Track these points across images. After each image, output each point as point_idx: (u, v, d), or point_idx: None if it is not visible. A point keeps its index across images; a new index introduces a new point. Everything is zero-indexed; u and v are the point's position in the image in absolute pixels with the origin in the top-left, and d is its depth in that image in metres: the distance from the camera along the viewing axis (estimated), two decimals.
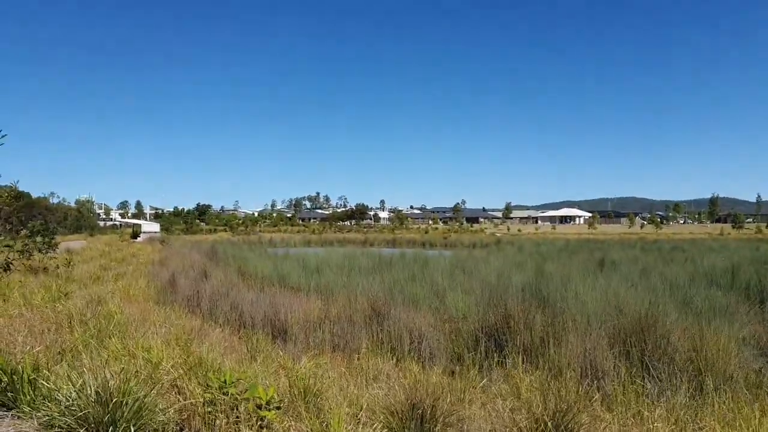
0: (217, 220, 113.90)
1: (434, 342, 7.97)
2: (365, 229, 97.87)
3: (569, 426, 3.67)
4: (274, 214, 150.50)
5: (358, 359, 6.97)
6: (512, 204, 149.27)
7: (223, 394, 3.74)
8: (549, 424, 3.69)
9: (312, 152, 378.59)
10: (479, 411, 4.57)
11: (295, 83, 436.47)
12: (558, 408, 3.72)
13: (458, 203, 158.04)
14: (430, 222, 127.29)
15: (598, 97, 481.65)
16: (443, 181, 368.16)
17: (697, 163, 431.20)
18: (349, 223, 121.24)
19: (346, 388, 4.64)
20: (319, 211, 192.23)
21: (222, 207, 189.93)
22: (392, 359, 7.49)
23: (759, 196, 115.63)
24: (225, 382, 3.91)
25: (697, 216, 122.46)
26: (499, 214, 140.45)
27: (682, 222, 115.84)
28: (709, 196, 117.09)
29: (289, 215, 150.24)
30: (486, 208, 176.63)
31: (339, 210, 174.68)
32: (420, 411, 3.75)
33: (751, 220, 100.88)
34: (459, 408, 4.07)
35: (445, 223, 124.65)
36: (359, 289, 13.26)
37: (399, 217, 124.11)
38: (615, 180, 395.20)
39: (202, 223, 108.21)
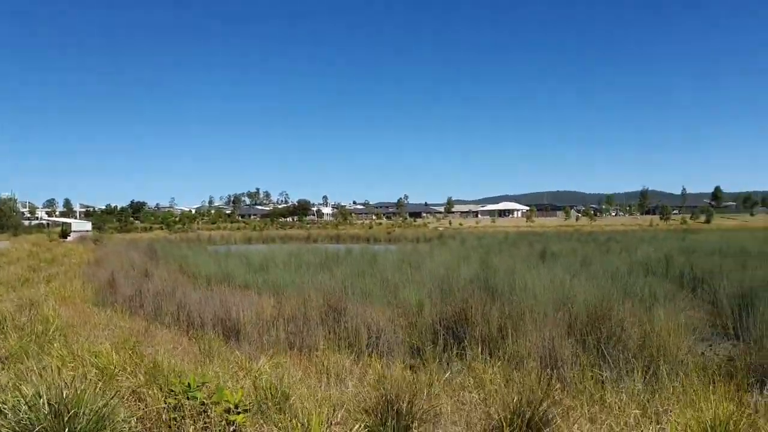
0: (152, 218, 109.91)
1: (392, 336, 7.91)
2: (308, 226, 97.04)
3: (543, 416, 3.67)
4: (213, 211, 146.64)
5: (318, 357, 6.82)
6: (453, 198, 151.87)
7: (189, 399, 3.53)
8: (525, 415, 3.68)
9: (251, 148, 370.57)
10: (449, 404, 4.53)
11: (229, 79, 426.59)
12: (531, 399, 3.72)
13: (401, 198, 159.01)
14: (374, 217, 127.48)
15: (530, 93, 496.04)
16: (386, 177, 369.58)
17: (628, 157, 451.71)
18: (291, 220, 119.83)
19: (313, 387, 4.48)
20: (260, 207, 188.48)
21: (157, 204, 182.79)
22: (351, 356, 7.39)
23: (684, 189, 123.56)
24: (189, 386, 3.69)
25: (627, 208, 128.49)
26: (441, 209, 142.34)
27: (614, 214, 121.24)
28: (638, 188, 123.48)
29: (228, 212, 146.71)
30: (428, 202, 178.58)
31: (280, 206, 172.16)
32: (396, 408, 3.65)
33: (677, 211, 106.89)
34: (435, 403, 4.01)
35: (388, 218, 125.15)
36: (310, 286, 13.06)
37: (342, 213, 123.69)
38: (550, 174, 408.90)
39: (136, 221, 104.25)
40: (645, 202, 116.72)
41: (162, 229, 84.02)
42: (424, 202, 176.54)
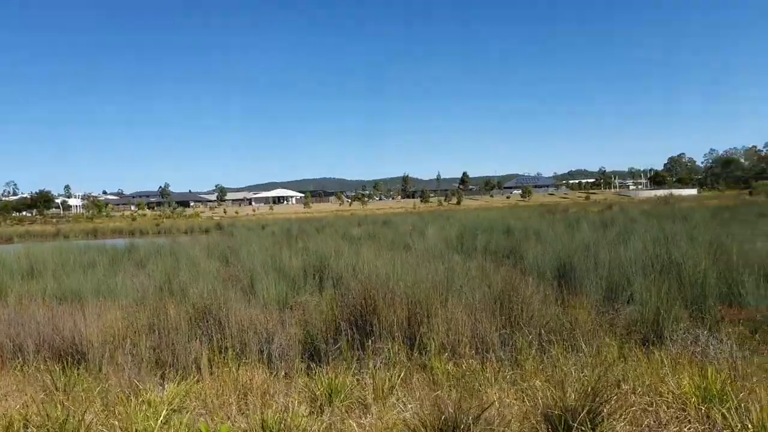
0: None
1: (284, 339, 6.99)
2: (54, 220, 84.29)
3: (598, 408, 3.42)
4: None
5: (226, 374, 5.64)
6: (221, 186, 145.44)
7: None
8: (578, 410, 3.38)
9: None
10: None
11: None
12: (585, 392, 3.43)
13: (162, 186, 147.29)
14: (134, 208, 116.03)
15: (284, 87, 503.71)
16: (141, 164, 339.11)
17: (387, 147, 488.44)
18: (30, 214, 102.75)
19: (311, 418, 3.57)
20: None
21: None
22: (238, 366, 6.32)
23: (439, 174, 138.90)
24: None
25: (389, 193, 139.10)
26: (211, 197, 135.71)
27: (378, 199, 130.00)
28: (394, 175, 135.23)
29: None
30: (193, 190, 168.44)
31: (10, 198, 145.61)
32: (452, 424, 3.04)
33: (433, 195, 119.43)
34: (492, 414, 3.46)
35: (152, 208, 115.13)
36: (134, 289, 11.20)
37: (96, 204, 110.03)
38: (313, 162, 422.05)
39: None
40: (406, 187, 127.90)
41: None
42: (188, 190, 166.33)
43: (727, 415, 3.46)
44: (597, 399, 3.31)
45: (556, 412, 3.31)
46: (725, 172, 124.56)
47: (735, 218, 23.45)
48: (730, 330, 6.41)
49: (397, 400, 4.64)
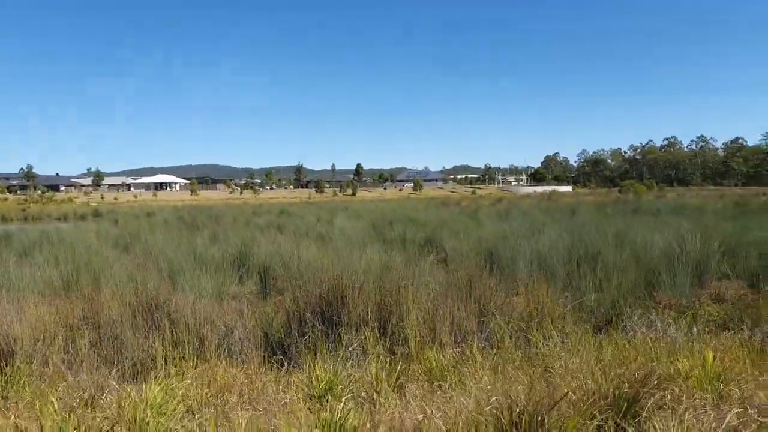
0: None
1: (242, 332, 6.50)
2: None
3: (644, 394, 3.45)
4: None
5: (207, 369, 5.10)
6: (93, 169, 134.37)
7: None
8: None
9: None
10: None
11: None
12: (634, 379, 3.44)
13: (25, 168, 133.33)
14: None
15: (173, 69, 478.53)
16: None
17: (281, 134, 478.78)
18: None
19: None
20: None
21: None
22: (194, 360, 5.79)
23: (334, 166, 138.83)
24: None
25: (281, 182, 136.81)
26: (83, 182, 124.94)
27: (270, 188, 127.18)
28: (285, 164, 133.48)
29: None
30: (61, 174, 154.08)
31: None
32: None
33: (328, 185, 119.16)
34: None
35: (13, 192, 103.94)
36: (26, 282, 9.94)
37: None
38: (197, 147, 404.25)
39: None
40: (300, 176, 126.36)
41: None
42: (56, 173, 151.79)
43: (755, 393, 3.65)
44: (647, 384, 3.35)
45: (608, 400, 3.31)
46: (595, 171, 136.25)
47: (617, 213, 25.53)
48: (674, 314, 6.86)
49: (404, 393, 4.45)
